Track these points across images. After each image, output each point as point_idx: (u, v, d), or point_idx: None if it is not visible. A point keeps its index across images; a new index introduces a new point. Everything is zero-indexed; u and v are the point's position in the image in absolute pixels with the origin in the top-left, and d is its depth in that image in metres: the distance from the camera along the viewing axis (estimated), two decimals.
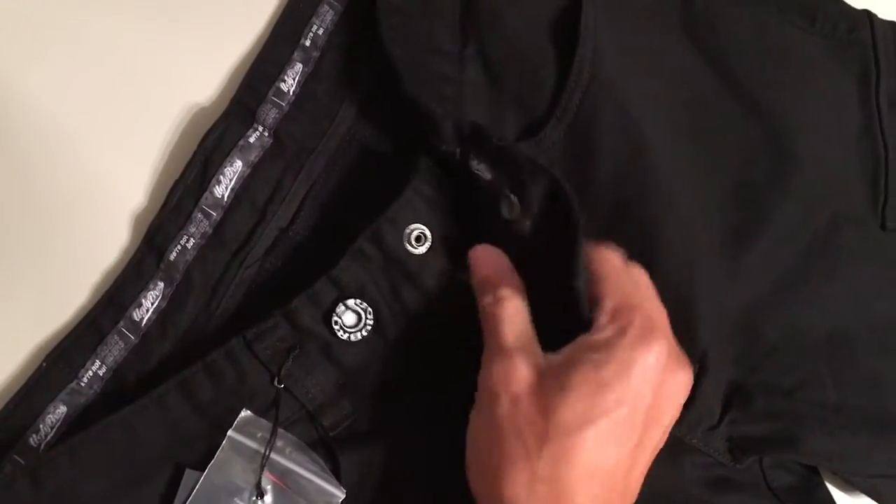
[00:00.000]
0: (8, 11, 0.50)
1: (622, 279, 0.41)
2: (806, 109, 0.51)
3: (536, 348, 0.40)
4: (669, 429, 0.41)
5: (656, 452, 0.41)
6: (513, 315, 0.41)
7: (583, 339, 0.39)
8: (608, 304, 0.40)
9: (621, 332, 0.39)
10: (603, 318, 0.39)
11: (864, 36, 0.53)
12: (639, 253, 0.47)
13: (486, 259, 0.43)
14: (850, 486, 0.50)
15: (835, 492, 0.50)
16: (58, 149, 0.49)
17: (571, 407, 0.37)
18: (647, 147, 0.48)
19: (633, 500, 0.40)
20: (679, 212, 0.48)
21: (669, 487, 0.48)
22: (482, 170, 0.44)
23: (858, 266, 0.50)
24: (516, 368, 0.39)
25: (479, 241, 0.44)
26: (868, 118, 0.52)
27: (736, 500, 0.48)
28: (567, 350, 0.39)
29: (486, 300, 0.41)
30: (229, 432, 0.42)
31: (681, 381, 0.40)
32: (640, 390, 0.38)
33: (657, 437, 0.40)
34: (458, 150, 0.45)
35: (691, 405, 0.47)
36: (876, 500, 0.49)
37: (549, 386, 0.38)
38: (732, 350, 0.49)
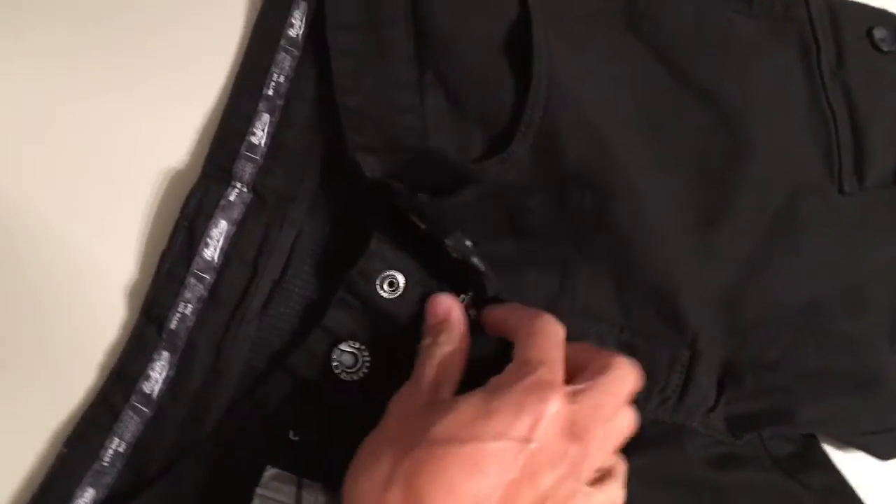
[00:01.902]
0: None
1: (535, 331, 0.42)
2: (753, 90, 0.52)
3: (451, 389, 0.42)
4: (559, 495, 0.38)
5: None
6: (440, 359, 0.42)
7: (489, 382, 0.40)
8: (519, 356, 0.41)
9: (522, 377, 0.39)
10: (512, 366, 0.40)
11: (800, 13, 0.54)
12: (617, 252, 0.49)
13: (439, 306, 0.45)
14: (843, 444, 0.52)
15: (830, 450, 0.52)
16: (42, 237, 0.48)
17: (447, 424, 0.37)
18: (610, 148, 0.49)
19: None
20: (650, 207, 0.49)
21: (675, 472, 0.49)
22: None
23: (822, 233, 0.52)
24: (416, 392, 0.41)
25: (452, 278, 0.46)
26: (813, 89, 0.53)
27: (741, 477, 0.49)
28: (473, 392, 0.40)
29: (425, 342, 0.44)
30: (257, 490, 0.43)
31: (567, 452, 0.38)
32: (524, 433, 0.37)
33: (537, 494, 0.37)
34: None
35: (686, 392, 0.49)
36: (869, 454, 0.51)
37: (438, 408, 0.39)
38: (720, 331, 0.50)
